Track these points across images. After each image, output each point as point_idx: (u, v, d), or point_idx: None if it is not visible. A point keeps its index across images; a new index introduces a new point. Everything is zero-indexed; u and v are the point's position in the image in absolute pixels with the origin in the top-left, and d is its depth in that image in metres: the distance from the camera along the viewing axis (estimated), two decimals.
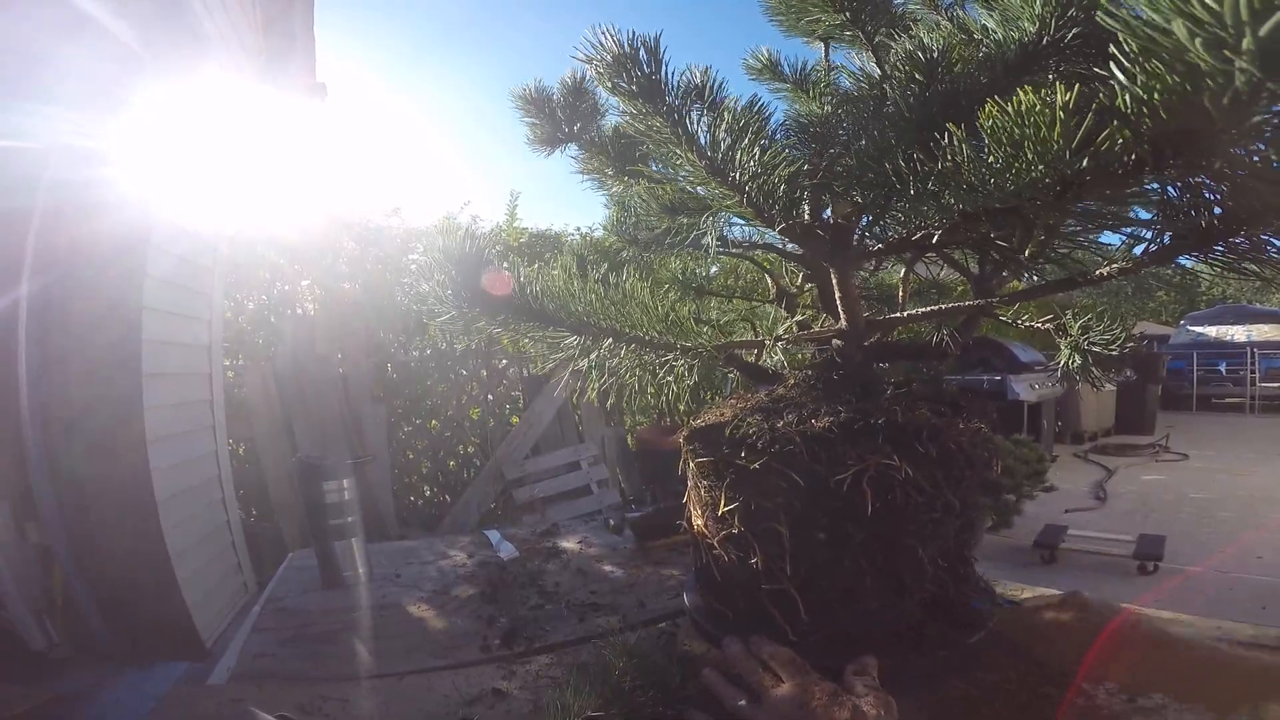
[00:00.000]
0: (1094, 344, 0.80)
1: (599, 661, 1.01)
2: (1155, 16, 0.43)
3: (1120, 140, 0.53)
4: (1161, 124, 0.49)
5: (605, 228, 1.43)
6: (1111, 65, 0.50)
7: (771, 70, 1.25)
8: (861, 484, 0.82)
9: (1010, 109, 0.57)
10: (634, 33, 0.85)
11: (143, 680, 2.29)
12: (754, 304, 1.67)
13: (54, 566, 2.39)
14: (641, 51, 0.85)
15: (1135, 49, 0.47)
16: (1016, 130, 0.57)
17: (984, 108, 0.59)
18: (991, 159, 0.61)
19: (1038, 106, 0.55)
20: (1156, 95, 0.47)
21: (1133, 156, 0.54)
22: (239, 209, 3.43)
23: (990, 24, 0.80)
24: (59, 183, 2.34)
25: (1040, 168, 0.57)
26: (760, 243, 1.31)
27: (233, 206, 3.29)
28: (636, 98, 0.86)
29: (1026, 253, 0.71)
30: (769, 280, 1.55)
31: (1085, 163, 0.55)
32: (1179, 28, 0.41)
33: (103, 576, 2.38)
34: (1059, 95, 0.54)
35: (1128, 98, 0.50)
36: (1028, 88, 0.56)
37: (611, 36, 0.85)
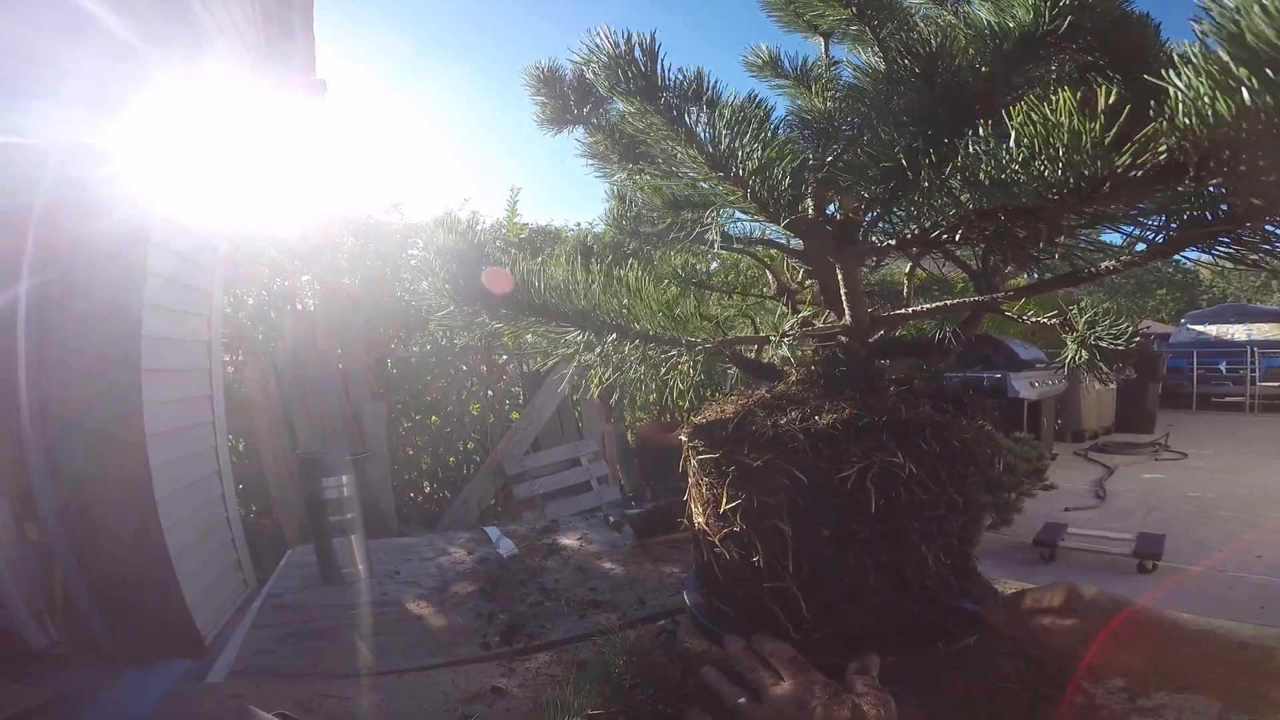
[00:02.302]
0: (1101, 339, 0.80)
1: (599, 659, 1.01)
2: (1266, 27, 0.42)
3: (1166, 145, 0.52)
4: (1215, 130, 0.49)
5: (606, 222, 1.43)
6: (1170, 71, 0.50)
7: (772, 66, 1.25)
8: (865, 481, 0.82)
9: (1047, 108, 0.57)
10: (629, 32, 0.85)
11: (142, 679, 2.29)
12: (755, 299, 1.67)
13: (54, 565, 2.39)
14: (637, 50, 0.84)
15: (1198, 53, 0.47)
16: (1051, 129, 0.57)
17: (991, 101, 0.59)
18: (1016, 154, 0.60)
19: (1073, 107, 0.55)
20: (1220, 102, 0.47)
21: (1177, 160, 0.54)
22: (239, 205, 3.42)
23: (984, 14, 0.79)
24: (59, 180, 2.33)
25: (1071, 168, 0.56)
26: (762, 238, 1.30)
27: (232, 203, 3.29)
28: (634, 96, 0.85)
29: (1039, 248, 0.70)
30: (770, 276, 1.55)
31: (1122, 166, 0.54)
32: None
33: (103, 575, 2.39)
34: (1100, 96, 0.53)
35: (1182, 103, 0.49)
36: (1066, 89, 0.56)
37: (607, 37, 0.84)
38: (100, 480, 2.36)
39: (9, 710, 2.00)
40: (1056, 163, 0.58)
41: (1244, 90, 0.45)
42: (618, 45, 0.84)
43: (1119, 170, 0.55)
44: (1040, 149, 0.58)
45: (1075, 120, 0.55)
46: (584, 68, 0.89)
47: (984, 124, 0.65)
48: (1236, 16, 0.43)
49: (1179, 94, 0.50)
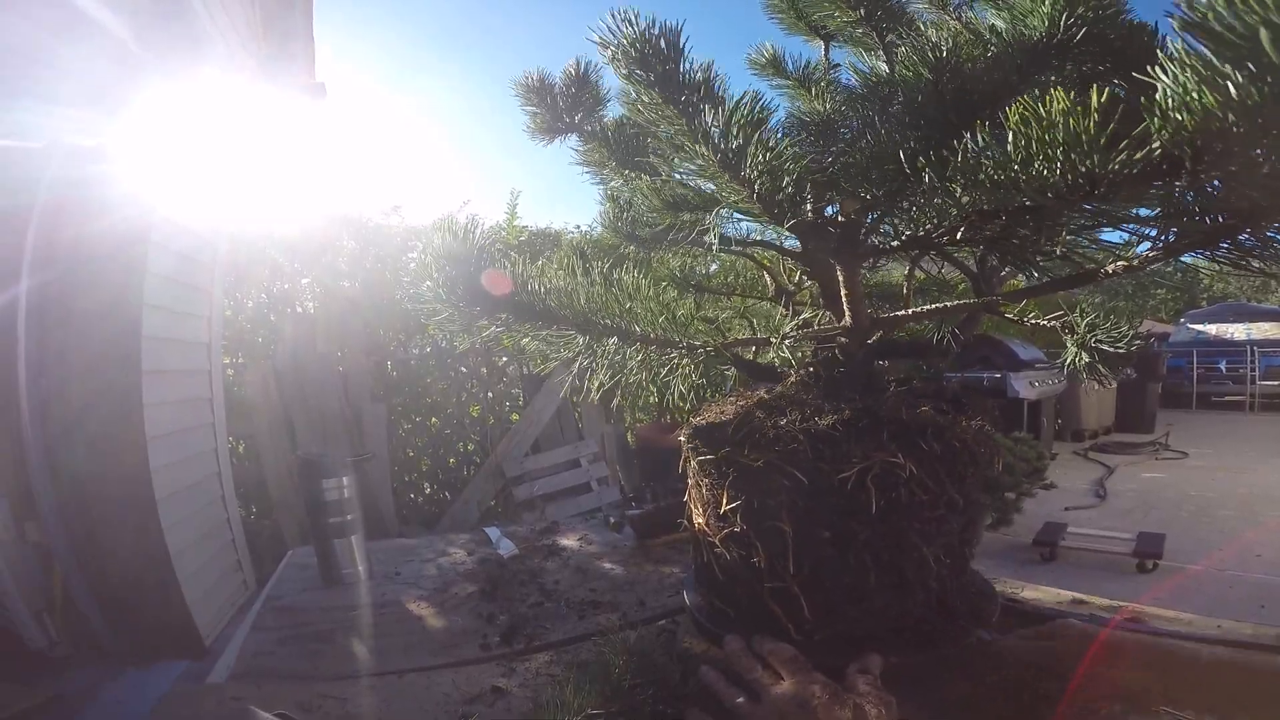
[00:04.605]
0: (1101, 342, 0.80)
1: (599, 659, 1.01)
2: (1236, 23, 0.43)
3: (1159, 141, 0.53)
4: (1204, 126, 0.49)
5: (602, 225, 1.43)
6: (1156, 68, 0.50)
7: (774, 66, 1.25)
8: (866, 481, 0.82)
9: (1041, 108, 0.57)
10: (655, 19, 0.83)
11: (143, 679, 2.29)
12: (752, 301, 1.67)
13: (54, 565, 2.39)
14: (662, 41, 0.83)
15: (1182, 51, 0.47)
16: (1046, 128, 0.57)
17: (999, 106, 0.59)
18: (1015, 155, 0.60)
19: (1067, 106, 0.55)
20: (1205, 97, 0.47)
21: (1171, 156, 0.54)
22: (239, 207, 3.42)
23: (999, 23, 0.79)
24: (60, 181, 2.33)
25: (1071, 166, 0.57)
26: (759, 240, 1.31)
27: (232, 204, 3.29)
28: (653, 86, 0.84)
29: (1039, 248, 0.71)
30: (768, 278, 1.55)
31: (1119, 162, 0.54)
32: (1264, 36, 0.42)
33: (103, 575, 2.38)
34: (1093, 96, 0.53)
35: (1170, 99, 0.50)
36: (1059, 89, 0.56)
37: (632, 22, 0.82)
38: (100, 479, 2.36)
39: (9, 710, 2.00)
40: (1054, 162, 0.58)
41: (1229, 84, 0.45)
42: (644, 33, 0.81)
43: (1116, 167, 0.55)
44: (1039, 149, 0.58)
45: (1071, 119, 0.55)
46: (600, 51, 0.87)
47: (982, 127, 0.65)
48: (1203, 9, 0.44)
49: (1167, 89, 0.50)
